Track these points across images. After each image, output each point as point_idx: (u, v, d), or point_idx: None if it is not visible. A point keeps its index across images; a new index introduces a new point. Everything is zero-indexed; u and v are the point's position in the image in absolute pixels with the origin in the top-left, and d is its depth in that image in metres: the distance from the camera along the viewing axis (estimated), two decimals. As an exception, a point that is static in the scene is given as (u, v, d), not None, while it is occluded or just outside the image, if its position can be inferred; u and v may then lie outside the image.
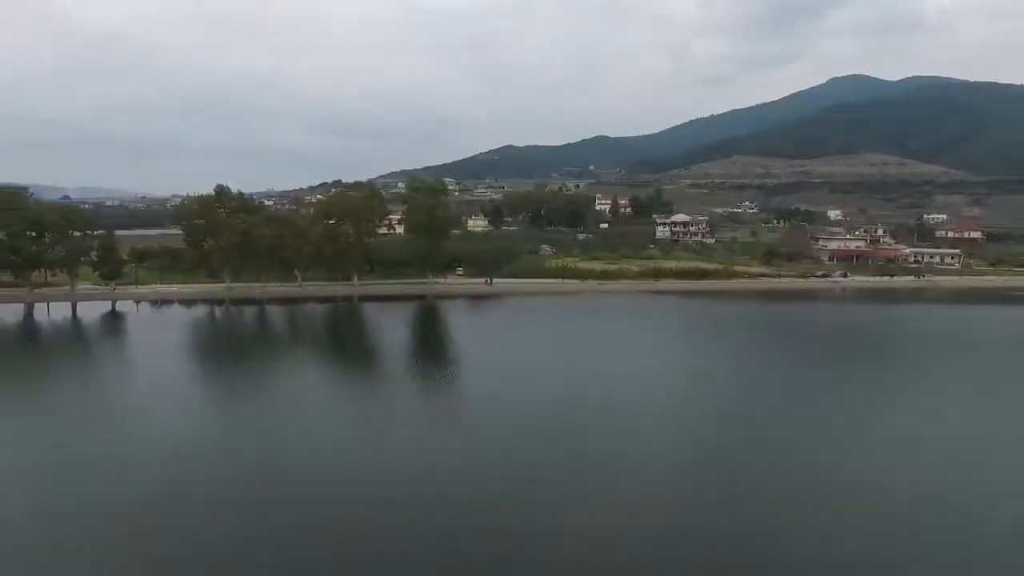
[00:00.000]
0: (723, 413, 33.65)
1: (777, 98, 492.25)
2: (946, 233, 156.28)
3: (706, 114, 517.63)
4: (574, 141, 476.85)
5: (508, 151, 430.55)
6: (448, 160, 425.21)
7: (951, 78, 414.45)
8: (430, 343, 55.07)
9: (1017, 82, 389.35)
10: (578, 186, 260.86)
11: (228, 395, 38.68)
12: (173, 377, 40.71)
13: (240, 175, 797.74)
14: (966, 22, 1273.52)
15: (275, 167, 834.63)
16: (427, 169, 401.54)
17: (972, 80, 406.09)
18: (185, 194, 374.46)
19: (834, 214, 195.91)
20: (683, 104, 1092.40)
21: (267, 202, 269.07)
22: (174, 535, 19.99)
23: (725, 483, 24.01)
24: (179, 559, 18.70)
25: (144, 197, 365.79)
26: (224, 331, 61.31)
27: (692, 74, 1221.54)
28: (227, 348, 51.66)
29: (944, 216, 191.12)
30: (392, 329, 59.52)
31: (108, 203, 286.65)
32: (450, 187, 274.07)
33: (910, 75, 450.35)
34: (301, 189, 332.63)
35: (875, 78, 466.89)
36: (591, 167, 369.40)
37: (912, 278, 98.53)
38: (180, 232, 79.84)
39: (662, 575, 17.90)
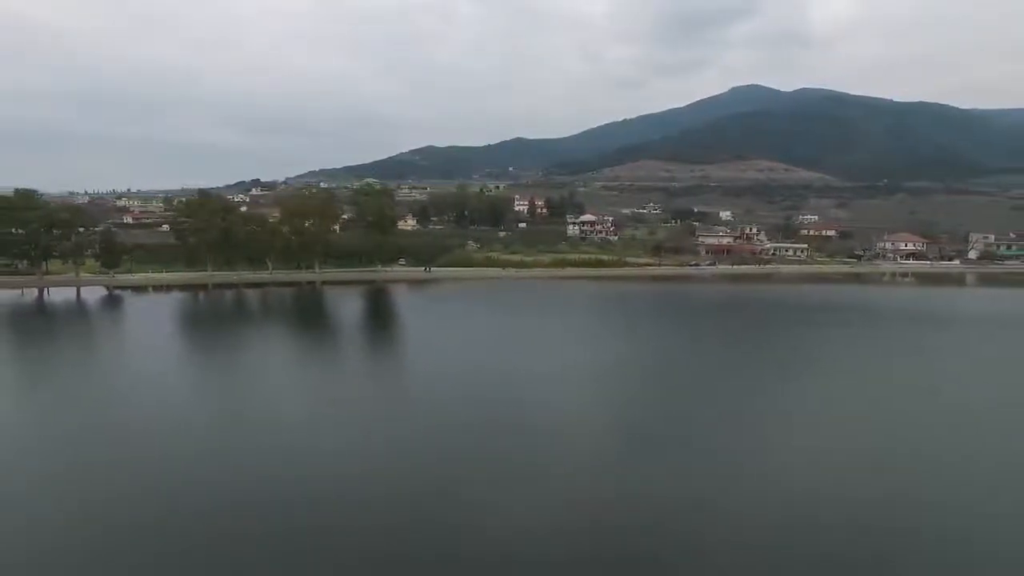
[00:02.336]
0: (601, 368, 44.20)
1: (684, 105, 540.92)
2: (808, 232, 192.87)
3: (620, 118, 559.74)
4: (494, 142, 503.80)
5: (429, 151, 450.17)
6: (369, 160, 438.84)
7: (835, 91, 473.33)
8: (382, 316, 74.84)
9: (888, 96, 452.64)
10: (498, 187, 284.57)
11: (206, 362, 46.98)
12: (163, 345, 51.17)
13: (151, 170, 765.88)
14: (849, 39, 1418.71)
15: (189, 164, 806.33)
16: (347, 169, 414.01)
17: (852, 93, 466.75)
18: (84, 191, 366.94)
19: (725, 215, 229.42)
20: (599, 107, 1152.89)
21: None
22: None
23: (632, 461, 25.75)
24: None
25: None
26: (208, 310, 78.23)
27: (608, 78, 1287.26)
28: (210, 323, 66.53)
29: (815, 217, 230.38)
30: (351, 306, 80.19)
31: None
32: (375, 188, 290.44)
33: (800, 87, 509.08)
34: (219, 188, 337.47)
35: (770, 88, 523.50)
36: (510, 168, 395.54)
37: (759, 266, 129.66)
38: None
39: (585, 572, 17.67)
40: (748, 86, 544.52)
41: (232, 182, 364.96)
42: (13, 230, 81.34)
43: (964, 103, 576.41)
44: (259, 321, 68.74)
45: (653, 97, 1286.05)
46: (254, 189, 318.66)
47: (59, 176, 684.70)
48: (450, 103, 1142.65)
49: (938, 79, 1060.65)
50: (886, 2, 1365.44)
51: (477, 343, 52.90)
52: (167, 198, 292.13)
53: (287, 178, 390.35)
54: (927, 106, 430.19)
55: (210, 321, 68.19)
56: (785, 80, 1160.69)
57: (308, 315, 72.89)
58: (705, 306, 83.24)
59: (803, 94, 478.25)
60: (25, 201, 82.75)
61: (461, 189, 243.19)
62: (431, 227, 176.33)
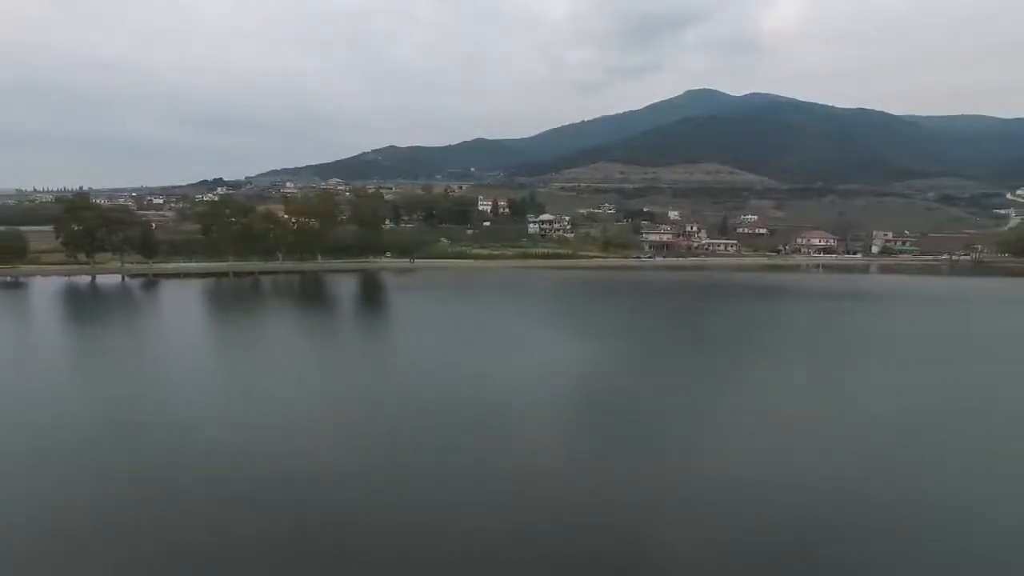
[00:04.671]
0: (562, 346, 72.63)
1: (640, 107, 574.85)
2: (742, 230, 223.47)
3: (578, 120, 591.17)
4: (456, 143, 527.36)
5: (391, 151, 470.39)
6: (331, 159, 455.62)
7: (782, 96, 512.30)
8: (373, 297, 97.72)
9: (830, 103, 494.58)
10: (461, 187, 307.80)
11: (219, 331, 63.18)
12: (194, 316, 71.76)
13: (104, 169, 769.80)
14: (798, 47, 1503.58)
15: (145, 162, 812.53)
16: (310, 168, 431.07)
17: (798, 99, 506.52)
18: (32, 188, 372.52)
19: (673, 214, 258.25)
20: (558, 108, 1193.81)
21: (156, 200, 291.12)
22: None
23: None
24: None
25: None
26: (229, 292, 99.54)
27: (566, 80, 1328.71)
28: (231, 301, 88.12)
29: (755, 216, 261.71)
30: (347, 288, 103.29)
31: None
32: (340, 188, 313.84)
33: (751, 91, 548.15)
34: (182, 186, 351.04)
35: (722, 93, 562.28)
36: (472, 169, 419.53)
37: (690, 258, 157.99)
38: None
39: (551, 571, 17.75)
40: (701, 90, 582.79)
41: (193, 181, 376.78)
42: (75, 226, 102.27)
43: (899, 109, 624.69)
44: (272, 302, 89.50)
45: (611, 99, 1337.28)
46: (219, 188, 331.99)
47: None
48: (411, 103, 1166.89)
49: (878, 86, 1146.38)
50: (833, 13, 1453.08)
51: (456, 322, 77.31)
52: (137, 196, 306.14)
53: (248, 177, 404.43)
54: (865, 112, 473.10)
55: (234, 301, 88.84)
56: (736, 84, 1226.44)
57: (313, 297, 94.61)
58: (639, 287, 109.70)
59: (752, 99, 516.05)
60: (83, 202, 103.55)
61: (427, 190, 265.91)
62: (403, 226, 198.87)
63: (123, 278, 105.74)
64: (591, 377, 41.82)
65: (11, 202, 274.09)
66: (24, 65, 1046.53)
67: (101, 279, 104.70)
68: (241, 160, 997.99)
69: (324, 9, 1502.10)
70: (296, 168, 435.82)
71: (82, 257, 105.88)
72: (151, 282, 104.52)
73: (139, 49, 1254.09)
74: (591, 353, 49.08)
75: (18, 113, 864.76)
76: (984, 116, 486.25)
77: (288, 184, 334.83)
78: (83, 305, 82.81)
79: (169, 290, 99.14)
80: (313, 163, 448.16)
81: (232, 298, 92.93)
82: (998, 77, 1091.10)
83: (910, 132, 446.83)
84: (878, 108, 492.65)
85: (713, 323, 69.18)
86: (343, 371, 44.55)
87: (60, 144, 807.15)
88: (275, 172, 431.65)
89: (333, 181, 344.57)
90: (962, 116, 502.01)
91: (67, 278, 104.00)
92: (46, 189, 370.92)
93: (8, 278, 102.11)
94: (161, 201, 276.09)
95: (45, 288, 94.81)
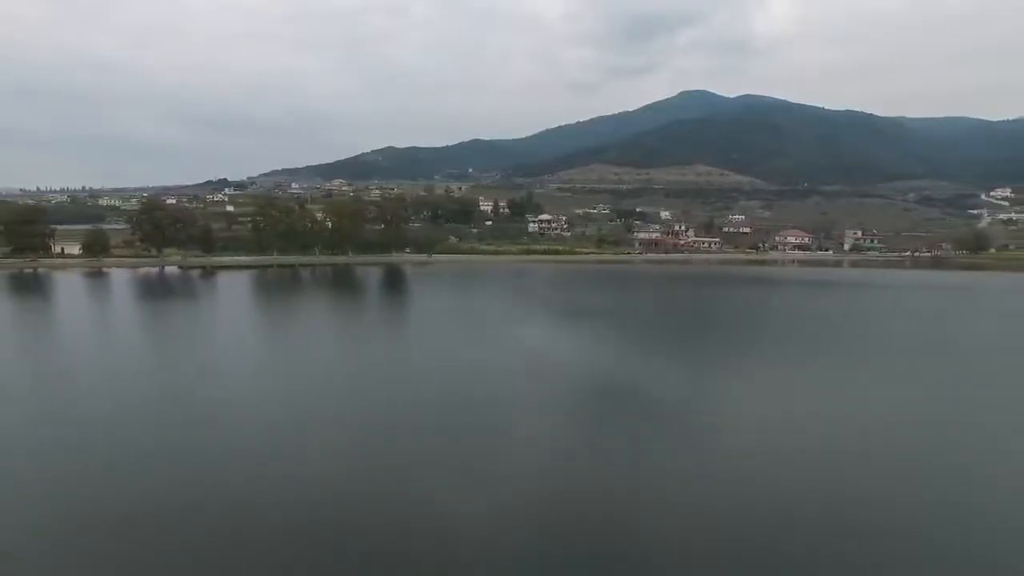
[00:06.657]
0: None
1: (635, 108, 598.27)
2: (728, 228, 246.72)
3: (574, 120, 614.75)
4: (452, 143, 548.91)
5: (390, 152, 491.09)
6: (331, 159, 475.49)
7: (774, 98, 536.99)
8: (397, 285, 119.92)
9: (821, 104, 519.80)
10: (460, 188, 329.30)
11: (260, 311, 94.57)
12: (244, 298, 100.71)
13: (105, 169, 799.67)
14: (791, 50, 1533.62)
15: (146, 162, 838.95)
16: (311, 168, 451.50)
17: (790, 101, 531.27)
18: (35, 188, 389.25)
19: (665, 215, 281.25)
20: (555, 108, 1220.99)
21: (169, 200, 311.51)
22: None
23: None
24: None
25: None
26: (274, 280, 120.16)
27: (562, 81, 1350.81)
28: (276, 287, 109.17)
29: (743, 216, 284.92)
30: (373, 277, 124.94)
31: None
32: (344, 188, 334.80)
33: (743, 93, 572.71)
34: (189, 186, 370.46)
35: (716, 94, 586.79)
36: (470, 169, 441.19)
37: (674, 254, 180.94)
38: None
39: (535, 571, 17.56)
40: (696, 91, 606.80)
41: (198, 181, 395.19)
42: (149, 225, 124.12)
43: (886, 111, 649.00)
44: (315, 289, 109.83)
45: (607, 99, 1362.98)
46: (226, 189, 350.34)
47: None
48: (408, 103, 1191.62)
49: (867, 88, 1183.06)
50: (825, 16, 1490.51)
51: (472, 305, 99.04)
52: (149, 197, 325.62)
53: (250, 177, 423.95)
54: (854, 114, 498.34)
55: (281, 288, 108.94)
56: (730, 86, 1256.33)
57: (347, 285, 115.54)
58: (626, 277, 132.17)
59: (745, 100, 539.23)
60: (155, 203, 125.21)
61: (428, 191, 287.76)
62: (410, 225, 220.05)
63: (185, 269, 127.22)
64: (583, 357, 45.65)
65: (31, 201, 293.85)
66: (24, 65, 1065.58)
67: (168, 270, 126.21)
68: (241, 160, 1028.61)
69: (321, 8, 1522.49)
70: (296, 168, 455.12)
71: (153, 251, 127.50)
72: (210, 272, 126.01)
73: (139, 49, 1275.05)
74: (583, 330, 70.54)
75: (18, 113, 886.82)
76: (970, 118, 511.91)
77: (293, 185, 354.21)
78: (161, 291, 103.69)
79: (226, 279, 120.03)
80: (313, 163, 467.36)
81: (279, 286, 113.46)
82: (987, 78, 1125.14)
83: (896, 133, 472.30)
84: (866, 110, 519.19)
85: (688, 305, 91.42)
86: (370, 354, 48.00)
87: (60, 144, 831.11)
88: (276, 172, 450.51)
89: (336, 182, 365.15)
90: (948, 118, 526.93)
91: (137, 270, 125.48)
92: (48, 189, 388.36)
93: (89, 269, 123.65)
94: (173, 201, 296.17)
95: (124, 278, 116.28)
